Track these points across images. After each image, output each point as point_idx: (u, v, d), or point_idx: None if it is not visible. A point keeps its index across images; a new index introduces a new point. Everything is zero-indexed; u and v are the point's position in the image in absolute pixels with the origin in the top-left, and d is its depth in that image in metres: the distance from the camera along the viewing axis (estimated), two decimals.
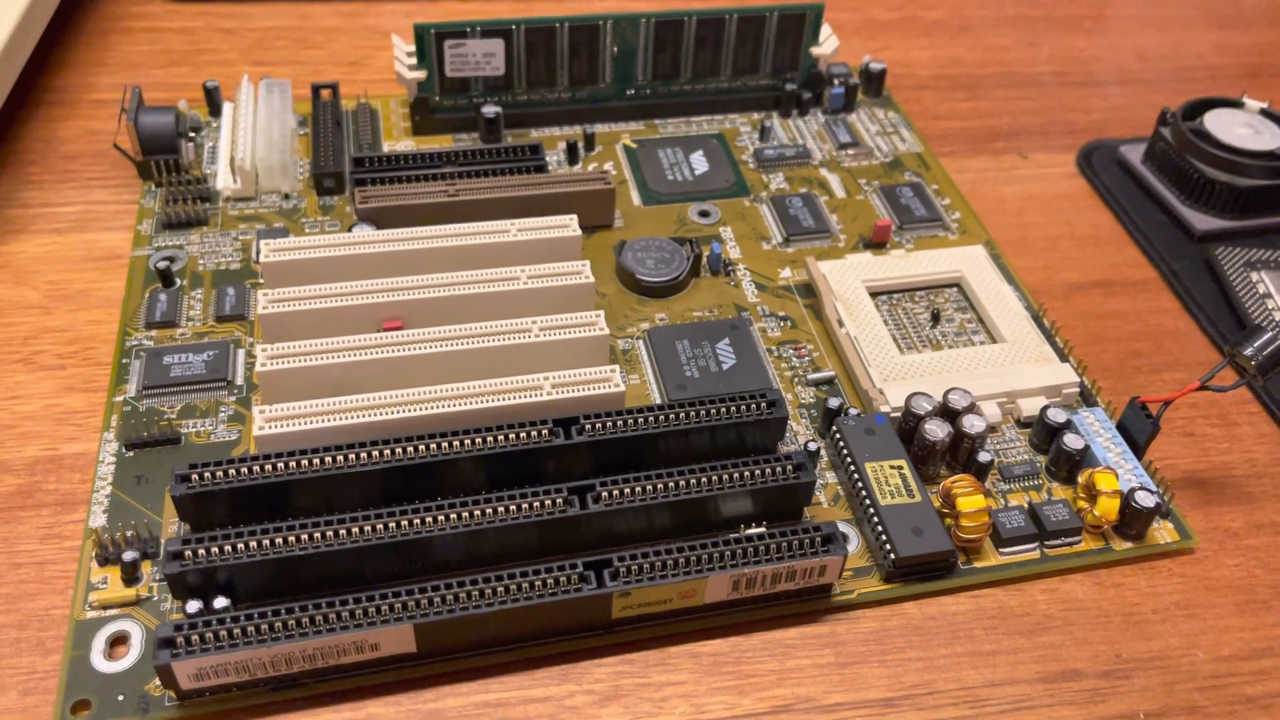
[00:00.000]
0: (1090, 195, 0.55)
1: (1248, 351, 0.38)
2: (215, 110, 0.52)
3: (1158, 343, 0.47)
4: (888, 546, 0.36)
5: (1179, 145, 0.53)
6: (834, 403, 0.39)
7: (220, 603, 0.32)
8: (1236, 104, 0.55)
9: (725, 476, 0.36)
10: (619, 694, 0.33)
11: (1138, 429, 0.40)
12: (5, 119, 0.51)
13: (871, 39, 0.65)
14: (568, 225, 0.43)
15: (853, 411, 0.40)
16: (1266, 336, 0.38)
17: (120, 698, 0.31)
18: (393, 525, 0.33)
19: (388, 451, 0.35)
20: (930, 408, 0.39)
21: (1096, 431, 0.40)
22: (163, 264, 0.43)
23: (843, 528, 0.37)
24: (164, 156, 0.47)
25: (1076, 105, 0.61)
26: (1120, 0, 0.72)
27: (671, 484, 0.35)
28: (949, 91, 0.61)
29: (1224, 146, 0.52)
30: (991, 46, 0.66)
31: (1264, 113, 0.54)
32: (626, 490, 0.35)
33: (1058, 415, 0.39)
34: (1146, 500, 0.37)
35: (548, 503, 0.34)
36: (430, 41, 0.50)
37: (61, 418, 0.39)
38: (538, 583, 0.32)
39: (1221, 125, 0.53)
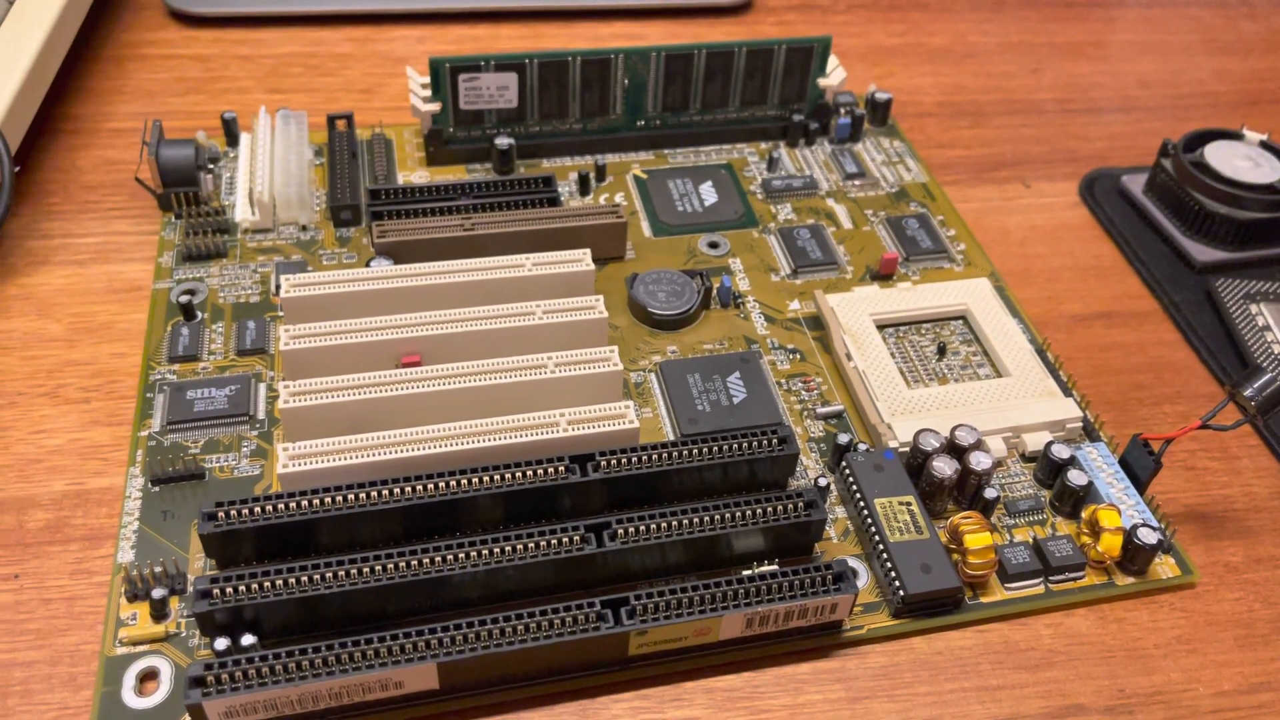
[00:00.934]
0: (1092, 225, 0.56)
1: (1248, 392, 0.39)
2: (233, 140, 0.53)
3: (1159, 375, 0.48)
4: (897, 583, 0.36)
5: (1180, 177, 0.54)
6: (844, 438, 0.40)
7: (247, 639, 0.33)
8: (1236, 136, 0.55)
9: (738, 514, 0.36)
10: None
11: (1140, 465, 0.41)
12: (25, 149, 0.52)
13: (876, 65, 0.66)
14: (581, 260, 0.44)
15: (862, 447, 0.41)
16: (1267, 377, 0.39)
17: None
18: (414, 563, 0.34)
19: (408, 489, 0.36)
20: (938, 444, 0.39)
21: (1099, 467, 0.41)
22: (184, 298, 0.44)
23: (852, 563, 0.38)
24: (184, 189, 0.48)
25: (1079, 133, 0.62)
26: (1121, 26, 0.73)
27: (685, 521, 0.36)
28: (953, 119, 0.62)
29: (1224, 179, 0.52)
30: (994, 73, 0.67)
31: (1264, 145, 0.55)
32: (641, 528, 0.36)
33: (1062, 451, 0.40)
34: (1149, 537, 0.38)
35: (565, 540, 0.35)
36: (445, 75, 0.50)
37: (88, 452, 0.40)
38: (557, 621, 0.33)
39: (1222, 157, 0.54)
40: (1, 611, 0.35)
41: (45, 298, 0.46)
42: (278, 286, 0.45)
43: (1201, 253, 0.52)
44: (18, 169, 0.48)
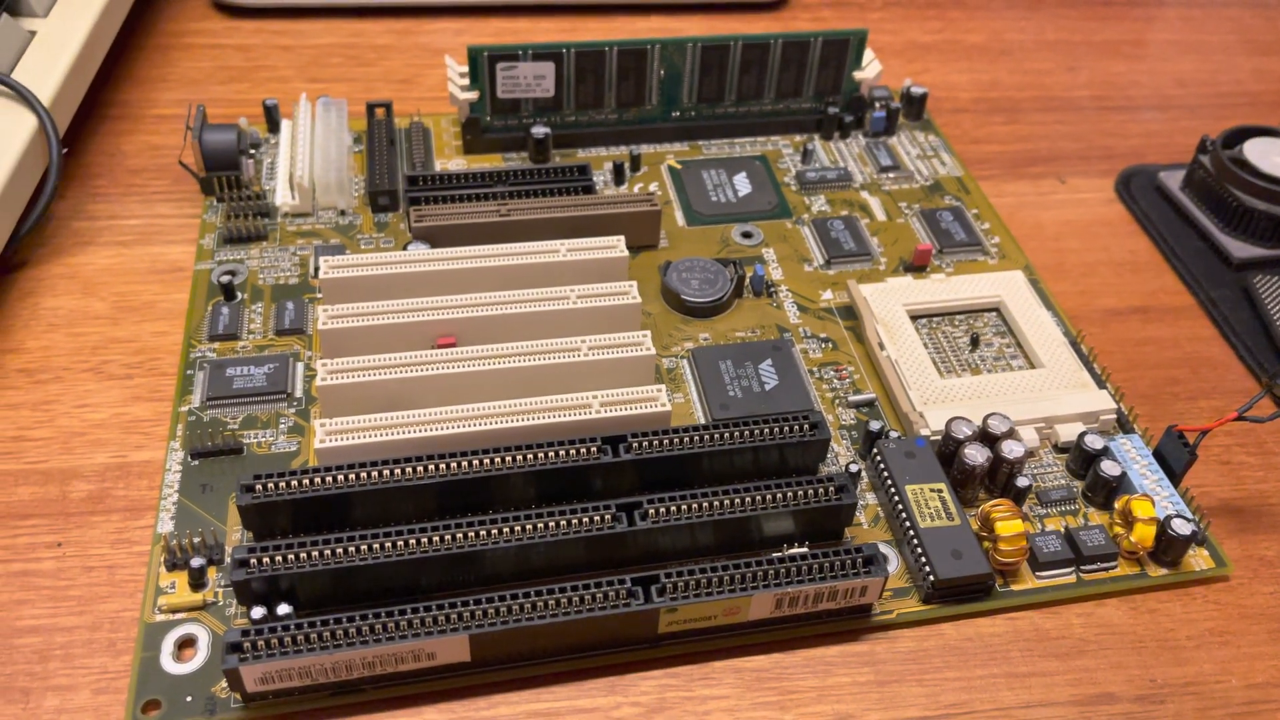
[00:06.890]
0: (1128, 221, 0.55)
1: None
2: (274, 127, 0.54)
3: (1195, 370, 0.47)
4: (927, 568, 0.36)
5: (1218, 173, 0.53)
6: (875, 426, 0.40)
7: (283, 609, 0.33)
8: (1276, 133, 0.55)
9: (769, 497, 0.37)
10: (664, 706, 0.34)
11: (1174, 457, 0.40)
12: (73, 133, 0.53)
13: (912, 61, 0.66)
14: (615, 246, 0.45)
15: (894, 434, 0.41)
16: None
17: (188, 699, 0.33)
18: (447, 538, 0.35)
19: (443, 466, 0.36)
20: (970, 432, 0.39)
21: (1133, 458, 0.41)
22: (225, 278, 0.45)
23: (883, 549, 0.38)
24: (226, 173, 0.49)
25: (1115, 130, 0.62)
26: (1160, 26, 0.72)
27: (716, 503, 0.36)
28: (988, 115, 0.62)
29: (1263, 175, 0.52)
30: (1031, 70, 0.66)
31: None
32: (673, 508, 0.36)
33: (1095, 442, 0.40)
34: (1183, 528, 0.38)
35: (596, 519, 0.36)
36: (483, 64, 0.51)
37: (129, 426, 0.41)
38: (588, 597, 0.33)
39: (1261, 154, 0.53)
40: (44, 578, 0.36)
41: (90, 277, 0.46)
42: (316, 269, 0.46)
43: (1239, 249, 0.52)
44: (65, 151, 0.49)
